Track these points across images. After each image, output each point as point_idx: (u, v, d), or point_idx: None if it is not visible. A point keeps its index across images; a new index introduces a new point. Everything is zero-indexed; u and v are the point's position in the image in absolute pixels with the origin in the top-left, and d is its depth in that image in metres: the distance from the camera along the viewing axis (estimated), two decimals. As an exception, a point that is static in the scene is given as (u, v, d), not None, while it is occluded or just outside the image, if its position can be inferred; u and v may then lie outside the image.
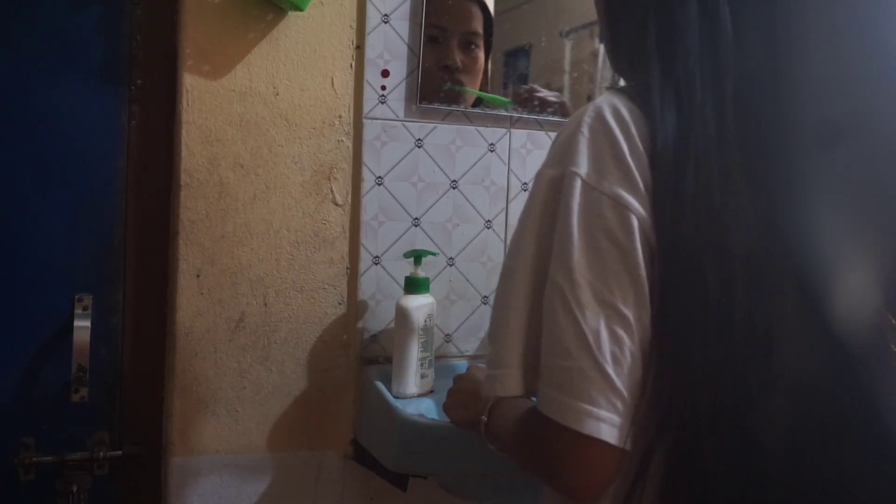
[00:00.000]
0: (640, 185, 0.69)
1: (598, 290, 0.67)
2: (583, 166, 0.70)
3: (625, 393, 0.66)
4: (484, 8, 1.34)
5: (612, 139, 0.70)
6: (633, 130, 0.70)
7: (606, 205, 0.68)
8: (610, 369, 0.66)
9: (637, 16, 0.76)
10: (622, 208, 0.68)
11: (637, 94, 0.73)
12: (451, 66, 1.30)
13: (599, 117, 0.71)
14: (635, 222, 0.68)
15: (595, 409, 0.66)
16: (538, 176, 0.74)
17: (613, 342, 0.66)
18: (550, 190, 0.72)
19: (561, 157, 0.72)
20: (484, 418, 0.87)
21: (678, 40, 0.73)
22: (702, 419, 0.67)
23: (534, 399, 0.77)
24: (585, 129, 0.71)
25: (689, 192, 0.68)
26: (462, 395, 1.01)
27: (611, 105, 0.71)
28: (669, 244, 0.68)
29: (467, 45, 1.32)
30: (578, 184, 0.69)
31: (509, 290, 0.74)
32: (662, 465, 0.69)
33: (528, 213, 0.74)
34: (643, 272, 0.67)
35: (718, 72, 0.72)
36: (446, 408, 1.04)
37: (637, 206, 0.68)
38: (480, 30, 1.33)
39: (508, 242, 0.78)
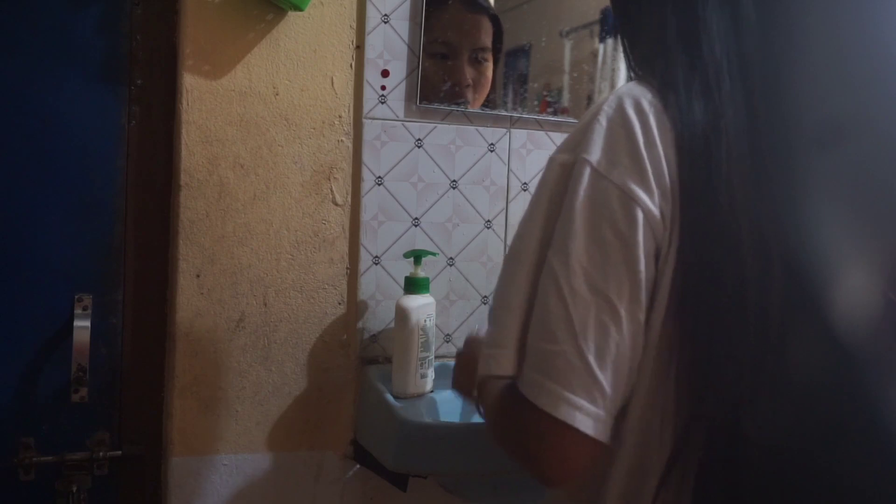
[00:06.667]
0: (652, 180, 0.68)
1: (593, 278, 0.67)
2: (595, 154, 0.69)
3: (605, 385, 0.66)
4: (496, 21, 1.32)
5: (628, 130, 0.69)
6: (653, 124, 0.69)
7: (613, 195, 0.68)
8: (592, 359, 0.66)
9: (655, 8, 0.76)
10: (629, 200, 0.67)
11: (660, 86, 0.72)
12: (461, 84, 1.29)
13: (619, 108, 0.71)
14: (641, 216, 0.67)
15: (573, 397, 0.65)
16: (550, 161, 0.74)
17: (600, 333, 0.66)
18: (561, 175, 0.72)
19: (575, 144, 0.72)
20: (474, 393, 0.87)
21: (702, 29, 0.73)
22: (740, 407, 0.67)
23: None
24: (603, 119, 0.70)
25: (723, 177, 0.68)
26: (469, 363, 1.00)
27: (632, 97, 0.71)
28: (701, 227, 0.68)
29: (476, 61, 1.31)
30: (588, 171, 0.69)
31: (512, 272, 0.74)
32: (698, 451, 0.69)
33: (537, 197, 0.74)
34: (642, 268, 0.67)
35: (744, 59, 0.72)
36: (454, 372, 1.05)
37: (645, 200, 0.67)
38: (490, 43, 1.32)
39: (516, 229, 0.78)
